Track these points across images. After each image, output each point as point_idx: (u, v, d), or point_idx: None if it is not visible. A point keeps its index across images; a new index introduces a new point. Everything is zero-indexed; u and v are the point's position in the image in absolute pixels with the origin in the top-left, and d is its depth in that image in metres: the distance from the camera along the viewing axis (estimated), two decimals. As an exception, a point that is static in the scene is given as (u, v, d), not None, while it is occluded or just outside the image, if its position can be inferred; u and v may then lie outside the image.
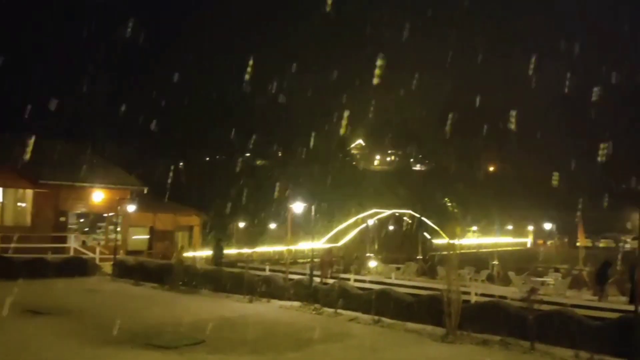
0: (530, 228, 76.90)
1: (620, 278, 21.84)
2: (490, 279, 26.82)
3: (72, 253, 26.26)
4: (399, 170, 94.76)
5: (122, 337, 12.04)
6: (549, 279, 23.51)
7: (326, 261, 22.66)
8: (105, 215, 30.61)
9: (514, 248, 64.32)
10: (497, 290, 19.81)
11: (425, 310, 14.39)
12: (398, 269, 27.81)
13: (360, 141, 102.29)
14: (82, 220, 31.80)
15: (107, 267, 24.70)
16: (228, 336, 12.48)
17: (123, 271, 23.44)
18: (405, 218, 58.28)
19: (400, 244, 49.94)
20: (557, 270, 30.88)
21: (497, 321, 13.10)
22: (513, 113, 64.80)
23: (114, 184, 30.34)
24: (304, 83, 67.58)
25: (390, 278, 22.27)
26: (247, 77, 55.15)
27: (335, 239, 49.39)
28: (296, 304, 17.04)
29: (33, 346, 11.30)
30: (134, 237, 31.56)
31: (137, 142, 53.70)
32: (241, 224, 49.54)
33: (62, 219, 28.70)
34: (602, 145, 65.25)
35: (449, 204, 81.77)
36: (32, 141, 26.78)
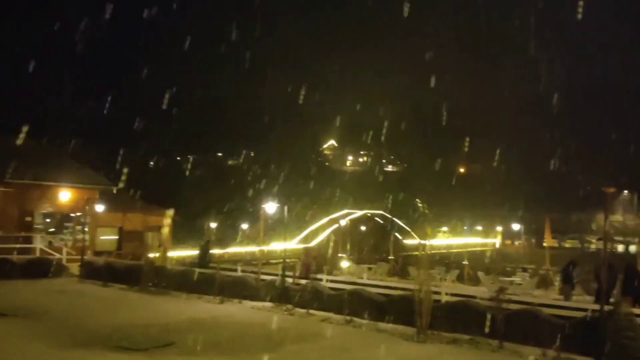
0: (499, 228, 78.23)
1: (586, 278, 22.36)
2: (460, 278, 27.18)
3: (38, 254, 25.68)
4: (371, 171, 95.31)
5: (90, 339, 11.83)
6: (517, 279, 23.96)
7: (306, 262, 22.55)
8: (73, 215, 30.03)
9: (483, 248, 65.31)
10: (467, 290, 20.10)
11: (396, 310, 14.51)
12: (370, 269, 27.99)
13: (332, 142, 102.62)
14: (48, 220, 31.08)
15: (75, 268, 24.20)
16: (199, 338, 12.36)
17: (91, 272, 23.01)
18: (377, 218, 58.69)
19: (372, 244, 50.24)
20: (525, 270, 31.55)
21: (467, 320, 13.29)
22: (484, 114, 65.96)
23: (81, 183, 29.79)
24: (275, 83, 67.51)
25: (362, 278, 22.32)
26: (218, 76, 54.86)
27: (307, 239, 49.40)
28: (268, 304, 16.99)
29: (-3, 349, 11.02)
30: (103, 237, 31.05)
31: (106, 141, 52.81)
32: (213, 224, 49.12)
33: (28, 218, 28.07)
34: (568, 147, 66.95)
35: (420, 205, 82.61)
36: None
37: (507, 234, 76.90)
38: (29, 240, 26.49)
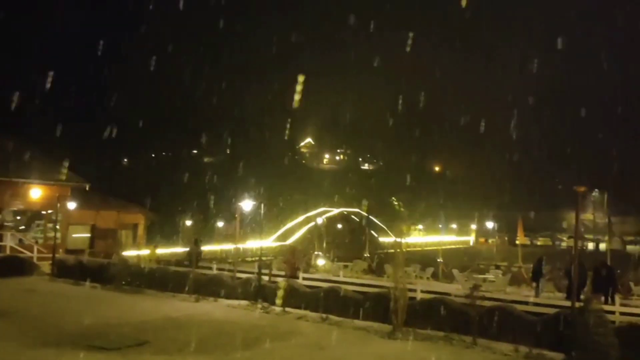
0: (473, 227, 79.17)
1: (556, 275, 22.76)
2: (435, 276, 27.39)
3: (8, 252, 25.21)
4: (347, 169, 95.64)
5: (62, 338, 11.63)
6: (491, 276, 24.24)
7: (291, 261, 22.44)
8: (44, 212, 29.45)
9: (458, 246, 65.97)
10: (441, 287, 20.27)
11: (372, 307, 14.60)
12: (346, 266, 28.02)
13: (309, 140, 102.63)
14: (18, 217, 30.45)
15: (46, 266, 23.77)
16: (173, 336, 12.25)
17: (62, 271, 22.62)
18: (353, 216, 58.91)
19: (349, 242, 50.39)
20: (497, 267, 31.94)
21: (441, 317, 13.44)
22: (460, 114, 66.70)
23: (53, 180, 29.19)
24: (253, 81, 67.22)
25: (338, 276, 22.38)
26: (195, 75, 54.45)
27: (284, 237, 49.29)
28: (244, 302, 16.91)
29: (-35, 350, 10.75)
30: (74, 235, 30.49)
31: (79, 138, 51.92)
32: (188, 222, 48.66)
33: (-2, 216, 27.46)
34: (541, 147, 68.15)
35: (396, 203, 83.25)
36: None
37: (481, 232, 77.92)
38: (-2, 238, 25.93)
